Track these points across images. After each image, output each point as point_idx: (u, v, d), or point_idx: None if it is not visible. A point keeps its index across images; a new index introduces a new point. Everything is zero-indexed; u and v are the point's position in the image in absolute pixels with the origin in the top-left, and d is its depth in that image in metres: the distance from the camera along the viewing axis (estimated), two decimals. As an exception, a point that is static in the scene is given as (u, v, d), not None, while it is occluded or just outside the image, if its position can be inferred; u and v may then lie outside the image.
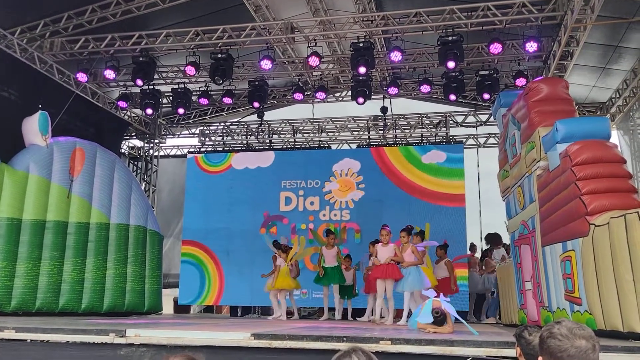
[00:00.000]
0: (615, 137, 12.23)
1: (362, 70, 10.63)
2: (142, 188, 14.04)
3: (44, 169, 9.75)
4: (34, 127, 9.82)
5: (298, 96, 12.81)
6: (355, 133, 15.08)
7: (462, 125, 14.64)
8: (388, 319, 8.00)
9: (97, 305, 10.03)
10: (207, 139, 15.57)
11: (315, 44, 10.82)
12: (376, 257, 8.12)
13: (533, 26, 9.93)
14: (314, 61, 10.68)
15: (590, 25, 9.01)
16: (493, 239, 10.57)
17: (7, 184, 9.29)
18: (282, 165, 13.64)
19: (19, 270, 9.23)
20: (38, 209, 9.59)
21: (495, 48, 10.01)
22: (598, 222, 5.21)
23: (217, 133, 15.58)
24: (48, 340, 4.70)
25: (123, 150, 15.70)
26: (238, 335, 4.42)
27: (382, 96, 13.57)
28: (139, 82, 11.41)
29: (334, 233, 10.32)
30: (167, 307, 13.05)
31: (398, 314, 8.67)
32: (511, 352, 3.95)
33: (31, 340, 4.72)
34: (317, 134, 15.08)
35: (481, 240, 13.10)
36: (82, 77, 11.63)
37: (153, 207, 14.62)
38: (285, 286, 9.78)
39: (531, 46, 9.93)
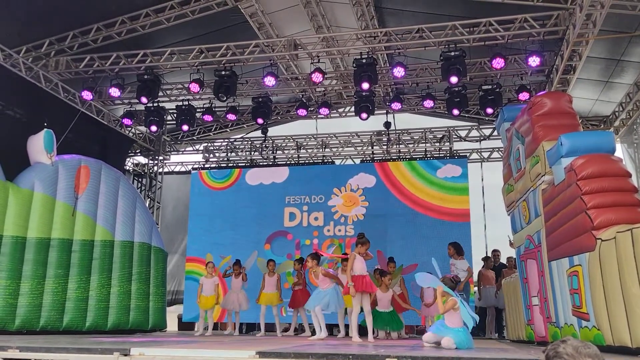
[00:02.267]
0: (619, 151, 12.20)
1: (365, 85, 10.67)
2: (147, 205, 14.06)
3: (49, 186, 9.77)
4: (39, 145, 9.86)
5: (302, 112, 12.86)
6: (359, 148, 15.10)
7: (465, 140, 14.65)
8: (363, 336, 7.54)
9: (101, 323, 9.98)
10: (211, 155, 15.62)
11: (319, 60, 10.89)
12: (351, 268, 7.42)
13: (535, 41, 9.97)
14: (317, 77, 10.73)
15: (593, 40, 9.04)
16: (456, 249, 9.93)
17: (12, 202, 9.31)
18: (297, 180, 13.65)
19: (23, 289, 9.21)
20: (43, 226, 9.59)
21: (498, 63, 10.06)
22: (604, 237, 5.17)
23: (221, 149, 15.63)
24: (52, 360, 4.67)
25: (128, 167, 15.75)
26: (243, 354, 4.38)
27: (385, 111, 13.61)
28: (144, 99, 11.49)
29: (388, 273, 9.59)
30: (172, 325, 12.98)
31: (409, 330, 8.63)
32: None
33: (35, 359, 4.69)
34: (321, 150, 15.11)
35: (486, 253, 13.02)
36: (87, 95, 11.72)
37: (157, 224, 14.62)
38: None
39: (534, 61, 9.96)
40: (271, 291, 10.06)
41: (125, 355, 4.52)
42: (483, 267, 11.66)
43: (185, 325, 13.75)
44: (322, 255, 9.70)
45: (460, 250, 9.80)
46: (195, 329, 10.49)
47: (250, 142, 15.46)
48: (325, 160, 14.93)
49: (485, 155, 14.74)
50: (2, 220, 9.14)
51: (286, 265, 11.51)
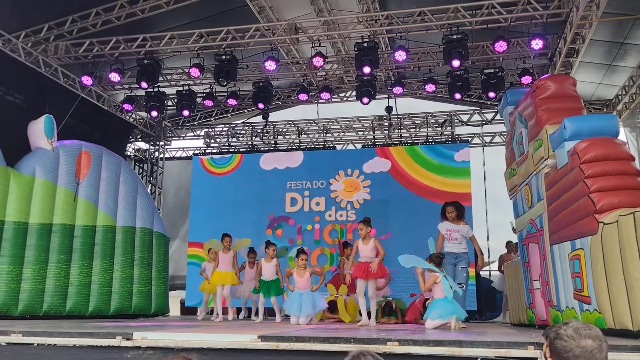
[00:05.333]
0: (622, 135, 12.14)
1: (367, 70, 10.59)
2: (148, 190, 14.07)
3: (50, 172, 9.77)
4: (39, 131, 9.84)
5: (302, 97, 12.79)
6: (360, 133, 15.05)
7: (467, 124, 14.59)
8: (365, 319, 7.53)
9: (104, 308, 10.04)
10: (212, 141, 15.59)
11: (320, 44, 10.79)
12: (357, 253, 7.55)
13: (538, 23, 9.86)
14: (318, 62, 10.65)
15: (596, 22, 8.94)
16: (458, 212, 9.05)
17: (14, 188, 9.31)
18: (311, 165, 13.60)
19: (25, 274, 9.24)
20: (44, 212, 9.60)
21: (500, 46, 9.97)
22: (607, 220, 5.16)
23: (222, 135, 15.59)
24: (55, 344, 4.69)
25: (129, 153, 15.72)
26: (245, 338, 4.40)
27: (386, 96, 13.53)
28: (144, 84, 11.42)
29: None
30: (174, 309, 13.04)
31: None
32: (520, 353, 3.91)
33: (38, 344, 4.71)
34: (322, 135, 15.06)
35: (488, 239, 13.03)
36: (87, 80, 11.65)
37: (159, 209, 14.63)
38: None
39: (536, 44, 9.86)
40: (226, 269, 8.91)
41: (128, 339, 4.54)
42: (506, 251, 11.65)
43: (188, 310, 13.81)
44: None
45: (462, 212, 8.19)
46: (198, 314, 10.51)
47: (251, 128, 15.42)
48: (327, 146, 14.89)
49: (487, 139, 14.69)
50: (3, 205, 9.16)
51: (244, 242, 10.21)
